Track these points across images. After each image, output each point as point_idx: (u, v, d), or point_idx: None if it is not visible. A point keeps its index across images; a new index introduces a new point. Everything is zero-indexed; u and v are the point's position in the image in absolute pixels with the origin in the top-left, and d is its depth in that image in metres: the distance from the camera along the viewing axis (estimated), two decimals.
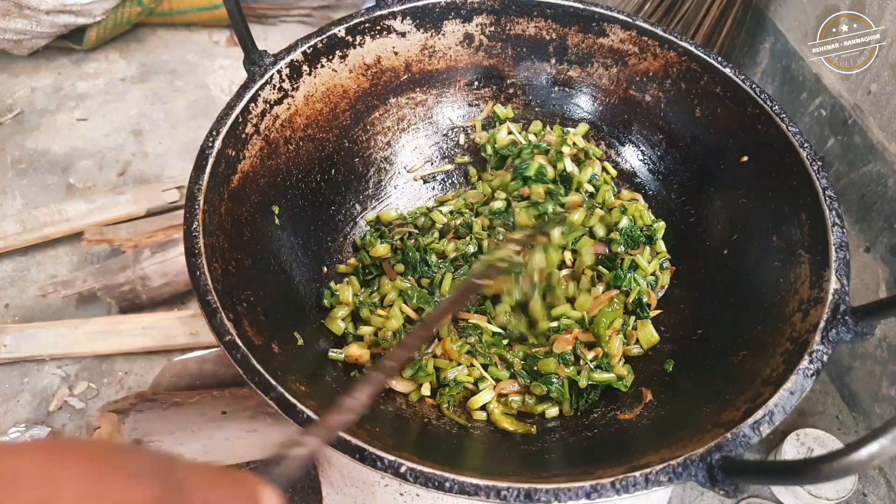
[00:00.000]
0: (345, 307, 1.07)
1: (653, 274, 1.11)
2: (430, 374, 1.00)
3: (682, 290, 1.12)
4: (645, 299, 1.07)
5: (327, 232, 1.16)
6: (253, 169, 1.00)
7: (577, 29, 1.21)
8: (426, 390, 0.99)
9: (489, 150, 1.27)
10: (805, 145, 0.95)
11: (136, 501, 0.32)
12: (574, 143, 1.23)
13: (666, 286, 1.14)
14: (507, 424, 0.96)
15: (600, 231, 1.15)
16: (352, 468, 1.01)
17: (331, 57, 1.11)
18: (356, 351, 1.00)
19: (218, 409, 1.14)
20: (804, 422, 1.48)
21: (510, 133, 1.26)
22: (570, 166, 1.20)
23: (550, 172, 1.20)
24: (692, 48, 1.11)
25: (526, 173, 1.19)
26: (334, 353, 1.00)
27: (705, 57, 1.10)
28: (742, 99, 1.05)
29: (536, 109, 1.31)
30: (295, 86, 1.07)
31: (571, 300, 1.07)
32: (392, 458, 0.68)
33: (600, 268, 1.10)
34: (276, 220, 1.05)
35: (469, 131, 1.31)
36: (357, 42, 1.14)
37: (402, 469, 0.68)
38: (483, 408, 0.98)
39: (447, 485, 0.67)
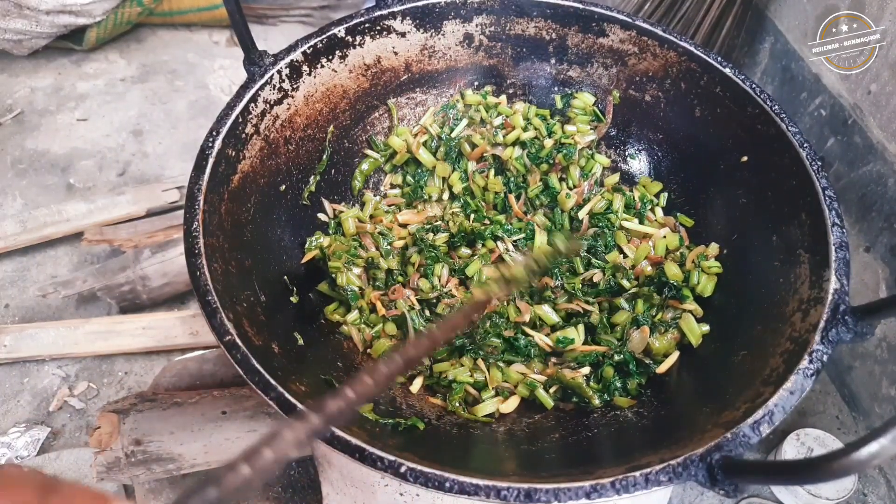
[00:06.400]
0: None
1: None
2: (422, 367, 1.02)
3: None
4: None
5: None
6: (253, 169, 1.00)
7: (576, 29, 1.21)
8: (416, 387, 1.00)
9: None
10: (805, 145, 0.95)
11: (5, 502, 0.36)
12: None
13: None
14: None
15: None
16: (352, 468, 1.01)
17: (331, 57, 1.11)
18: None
19: (218, 409, 1.14)
20: (804, 422, 1.48)
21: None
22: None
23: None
24: (692, 48, 1.11)
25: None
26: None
27: (705, 57, 1.10)
28: (742, 99, 1.05)
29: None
30: (295, 86, 1.07)
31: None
32: (392, 458, 0.68)
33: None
34: (276, 220, 1.05)
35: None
36: (357, 42, 1.14)
37: (402, 469, 0.68)
38: (491, 416, 0.98)
39: (447, 485, 0.67)
